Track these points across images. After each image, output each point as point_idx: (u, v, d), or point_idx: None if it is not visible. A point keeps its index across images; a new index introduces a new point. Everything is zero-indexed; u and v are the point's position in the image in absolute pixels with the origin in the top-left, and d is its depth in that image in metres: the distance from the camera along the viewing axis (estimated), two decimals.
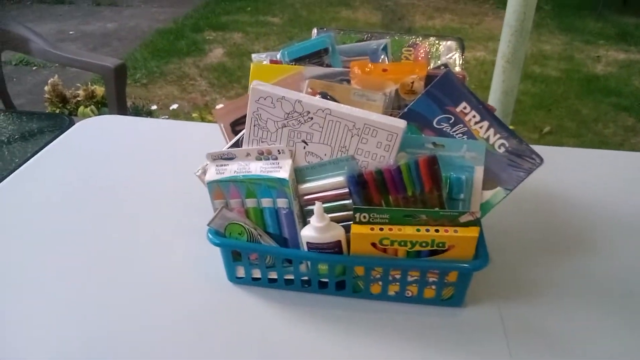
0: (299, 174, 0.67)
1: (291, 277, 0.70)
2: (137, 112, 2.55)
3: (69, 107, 2.47)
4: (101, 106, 2.40)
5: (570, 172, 0.99)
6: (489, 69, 3.36)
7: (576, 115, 3.01)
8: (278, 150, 0.67)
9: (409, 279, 0.67)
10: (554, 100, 3.18)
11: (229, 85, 3.27)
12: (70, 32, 4.21)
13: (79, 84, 2.54)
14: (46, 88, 2.43)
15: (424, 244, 0.63)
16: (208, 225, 0.67)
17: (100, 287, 0.73)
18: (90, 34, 4.19)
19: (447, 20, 4.60)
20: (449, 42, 0.90)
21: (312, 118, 0.65)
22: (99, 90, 2.43)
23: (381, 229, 0.62)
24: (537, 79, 3.44)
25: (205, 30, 4.17)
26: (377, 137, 0.63)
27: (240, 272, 0.71)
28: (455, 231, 0.62)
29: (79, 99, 2.46)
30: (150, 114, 2.59)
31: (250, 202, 0.67)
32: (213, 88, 3.23)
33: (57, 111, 2.41)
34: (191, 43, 3.89)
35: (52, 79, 2.44)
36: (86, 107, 2.42)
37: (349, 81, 0.74)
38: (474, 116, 0.68)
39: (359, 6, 4.93)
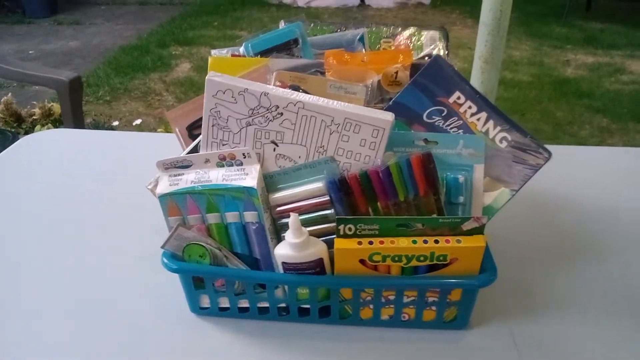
0: (270, 182, 0.58)
1: (266, 304, 0.61)
2: (98, 128, 2.42)
3: (24, 127, 2.33)
4: (59, 124, 2.26)
5: (567, 170, 0.92)
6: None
7: (551, 118, 3.00)
8: (243, 154, 0.57)
9: (405, 300, 0.57)
10: (527, 105, 3.17)
11: None
12: (30, 52, 4.06)
13: (35, 102, 2.39)
14: None
15: (421, 258, 0.53)
16: (162, 247, 0.57)
17: (39, 322, 0.62)
18: (51, 52, 4.05)
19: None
20: (431, 32, 0.82)
21: (282, 114, 0.55)
22: (57, 107, 2.30)
23: (370, 243, 0.53)
24: (509, 84, 3.44)
25: (171, 46, 4.07)
26: (360, 133, 0.54)
27: (205, 301, 0.62)
28: (458, 241, 0.52)
29: (35, 117, 2.33)
30: (111, 130, 2.46)
31: (212, 218, 0.58)
32: (180, 102, 3.10)
33: (10, 130, 2.27)
34: (157, 58, 3.78)
35: (5, 98, 2.30)
36: (43, 125, 2.28)
37: (323, 73, 0.65)
38: (470, 107, 0.60)
39: (328, 18, 4.92)
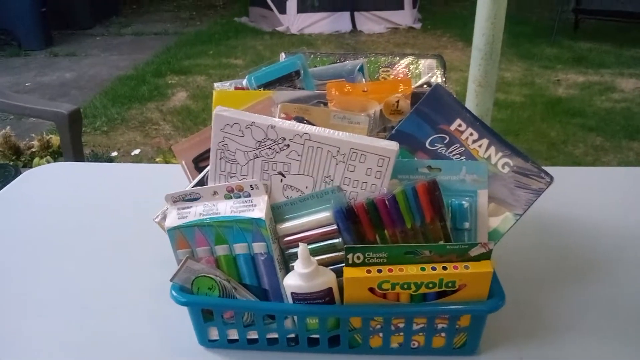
0: (277, 212, 0.58)
1: (275, 335, 0.60)
2: (97, 159, 2.42)
3: (23, 159, 2.34)
4: (58, 156, 2.27)
5: (567, 191, 0.92)
6: None
7: (545, 138, 3.03)
8: (250, 186, 0.57)
9: (415, 327, 0.57)
10: (521, 125, 3.20)
11: (194, 128, 3.17)
12: (27, 84, 4.08)
13: (33, 135, 2.40)
14: None
15: (430, 285, 0.53)
16: (171, 280, 0.57)
17: (45, 355, 0.61)
18: (48, 84, 4.07)
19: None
20: (428, 61, 0.84)
21: (288, 145, 0.55)
22: (55, 139, 2.30)
23: (379, 271, 0.53)
24: (501, 105, 3.48)
25: (167, 75, 4.11)
26: (366, 162, 0.55)
27: (214, 333, 0.61)
28: (466, 267, 0.53)
29: (33, 150, 2.33)
30: (110, 161, 2.46)
31: (221, 250, 0.58)
32: (178, 131, 3.13)
33: (11, 164, 2.27)
34: (153, 88, 3.81)
35: (3, 131, 2.31)
36: (42, 157, 2.28)
37: (326, 104, 0.66)
38: (471, 134, 0.61)
39: (321, 45, 4.98)
